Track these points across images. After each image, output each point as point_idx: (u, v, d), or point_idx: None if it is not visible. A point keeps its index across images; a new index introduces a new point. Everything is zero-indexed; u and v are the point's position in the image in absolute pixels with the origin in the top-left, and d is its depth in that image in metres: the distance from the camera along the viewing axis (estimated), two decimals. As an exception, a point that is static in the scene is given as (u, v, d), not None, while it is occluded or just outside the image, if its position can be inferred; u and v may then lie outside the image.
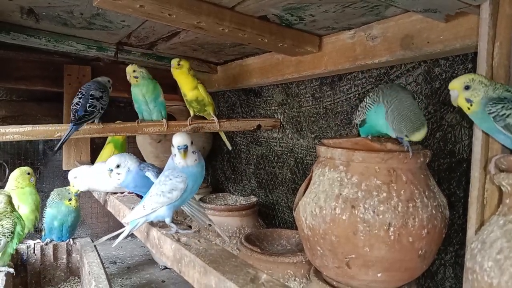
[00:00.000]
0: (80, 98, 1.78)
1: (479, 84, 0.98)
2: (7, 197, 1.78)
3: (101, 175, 1.82)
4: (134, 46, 2.26)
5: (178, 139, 1.23)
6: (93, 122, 1.83)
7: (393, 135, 1.16)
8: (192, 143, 1.25)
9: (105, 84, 1.95)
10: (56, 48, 2.16)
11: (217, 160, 2.97)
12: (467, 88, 0.99)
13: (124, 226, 1.35)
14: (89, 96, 1.78)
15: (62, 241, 2.08)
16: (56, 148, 1.82)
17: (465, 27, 1.21)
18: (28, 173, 2.10)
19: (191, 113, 2.06)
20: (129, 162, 1.52)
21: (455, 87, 1.01)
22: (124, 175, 1.50)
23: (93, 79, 1.98)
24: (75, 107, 1.77)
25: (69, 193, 2.04)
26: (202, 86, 2.01)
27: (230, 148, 2.36)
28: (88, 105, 1.76)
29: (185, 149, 1.23)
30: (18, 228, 1.69)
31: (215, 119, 2.06)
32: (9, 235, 1.63)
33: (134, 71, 1.89)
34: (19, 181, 2.07)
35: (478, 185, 1.03)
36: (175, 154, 1.26)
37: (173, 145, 1.25)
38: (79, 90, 1.85)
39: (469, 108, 1.00)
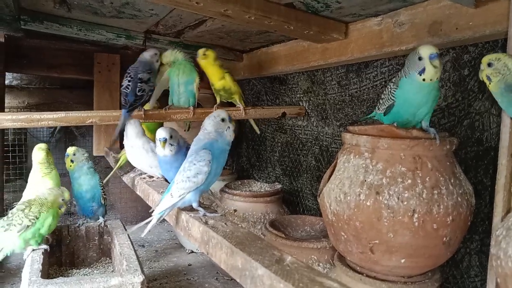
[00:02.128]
0: (129, 81, 1.74)
1: (503, 66, 0.98)
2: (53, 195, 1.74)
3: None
4: (161, 35, 2.30)
5: (226, 113, 1.31)
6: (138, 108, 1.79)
7: (413, 76, 1.15)
8: None
9: (152, 62, 1.88)
10: (87, 37, 2.22)
11: (242, 147, 3.00)
12: (489, 65, 1.00)
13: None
14: (138, 80, 1.74)
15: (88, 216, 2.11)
16: (115, 138, 1.78)
17: (495, 12, 1.19)
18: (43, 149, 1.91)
19: (218, 100, 2.09)
20: (179, 135, 1.55)
21: (484, 61, 1.03)
22: (175, 147, 1.50)
23: (140, 57, 1.88)
24: (125, 90, 1.73)
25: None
26: (229, 76, 2.04)
27: (258, 132, 2.41)
28: (137, 89, 1.72)
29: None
30: (42, 217, 1.68)
31: (241, 106, 2.08)
32: (33, 219, 1.66)
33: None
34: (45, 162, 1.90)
35: (506, 172, 1.03)
36: (228, 127, 1.29)
37: (224, 119, 1.29)
38: (127, 72, 1.79)
39: (488, 86, 1.02)
